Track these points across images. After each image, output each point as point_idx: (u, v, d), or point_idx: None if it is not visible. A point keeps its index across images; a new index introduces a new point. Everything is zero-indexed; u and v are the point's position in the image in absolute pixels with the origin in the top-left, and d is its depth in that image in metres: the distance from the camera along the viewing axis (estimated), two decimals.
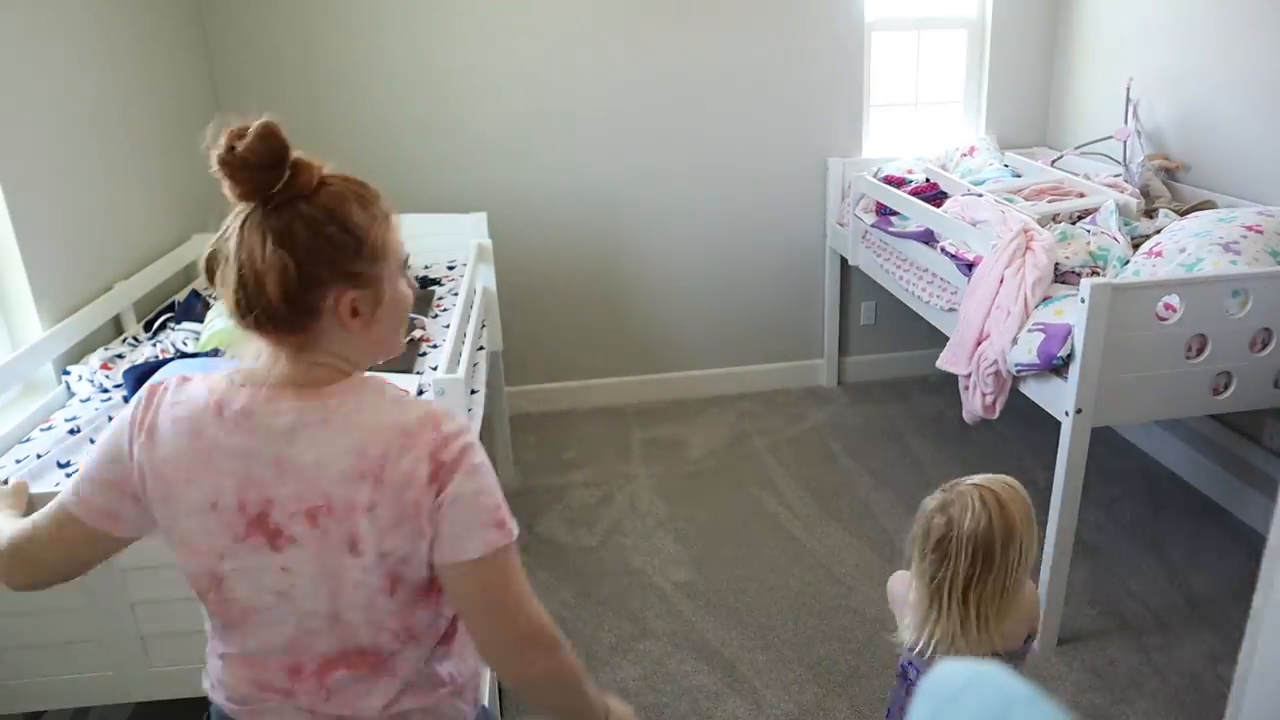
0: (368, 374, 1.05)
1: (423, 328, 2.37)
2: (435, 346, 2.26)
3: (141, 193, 2.64)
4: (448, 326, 2.23)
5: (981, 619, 1.39)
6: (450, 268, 2.96)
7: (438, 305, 2.61)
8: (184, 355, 2.17)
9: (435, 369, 2.02)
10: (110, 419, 1.66)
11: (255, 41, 3.27)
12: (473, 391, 2.20)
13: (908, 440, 3.51)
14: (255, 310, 0.96)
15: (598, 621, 2.55)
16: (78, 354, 2.17)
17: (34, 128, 2.12)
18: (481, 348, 2.69)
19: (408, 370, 2.08)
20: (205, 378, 1.05)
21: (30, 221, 2.04)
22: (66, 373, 2.09)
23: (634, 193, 3.65)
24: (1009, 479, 1.44)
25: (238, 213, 0.98)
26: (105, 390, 2.05)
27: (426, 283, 2.78)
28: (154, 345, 2.27)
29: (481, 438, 1.10)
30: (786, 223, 3.77)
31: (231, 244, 0.97)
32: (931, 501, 1.44)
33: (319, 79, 3.35)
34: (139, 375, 1.96)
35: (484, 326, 2.84)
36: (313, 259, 0.96)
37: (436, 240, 2.98)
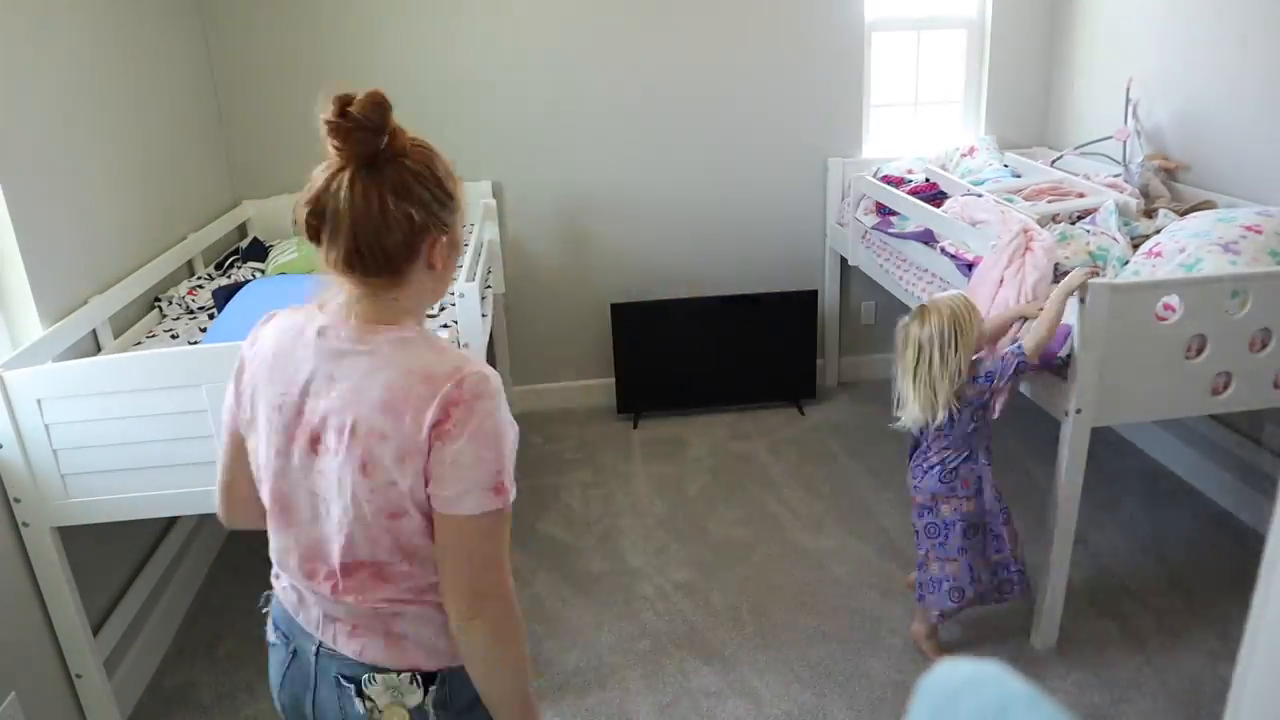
0: (422, 326, 1.15)
1: None
2: (454, 278, 2.58)
3: (141, 192, 2.64)
4: (461, 266, 2.57)
5: (930, 392, 2.10)
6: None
7: None
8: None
9: (454, 293, 2.29)
10: (202, 330, 2.33)
11: (256, 39, 3.28)
12: (482, 315, 2.53)
13: (908, 440, 3.50)
14: (369, 258, 1.06)
15: (598, 621, 2.55)
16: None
17: (34, 128, 2.11)
18: (489, 287, 3.25)
19: None
20: (307, 309, 1.16)
21: (30, 221, 2.04)
22: (157, 300, 2.62)
23: (635, 191, 3.65)
24: (961, 298, 2.12)
25: (337, 172, 1.05)
26: (192, 311, 2.63)
27: None
28: (228, 278, 2.82)
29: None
30: (786, 223, 3.77)
31: (343, 200, 1.04)
32: (906, 318, 2.15)
33: (322, 75, 3.34)
34: (227, 293, 2.40)
35: (490, 273, 3.33)
36: (425, 210, 1.07)
37: None
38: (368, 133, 1.04)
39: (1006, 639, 2.39)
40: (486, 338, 2.70)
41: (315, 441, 1.10)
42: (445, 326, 2.39)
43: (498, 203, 3.56)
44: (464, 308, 2.23)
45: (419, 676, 1.16)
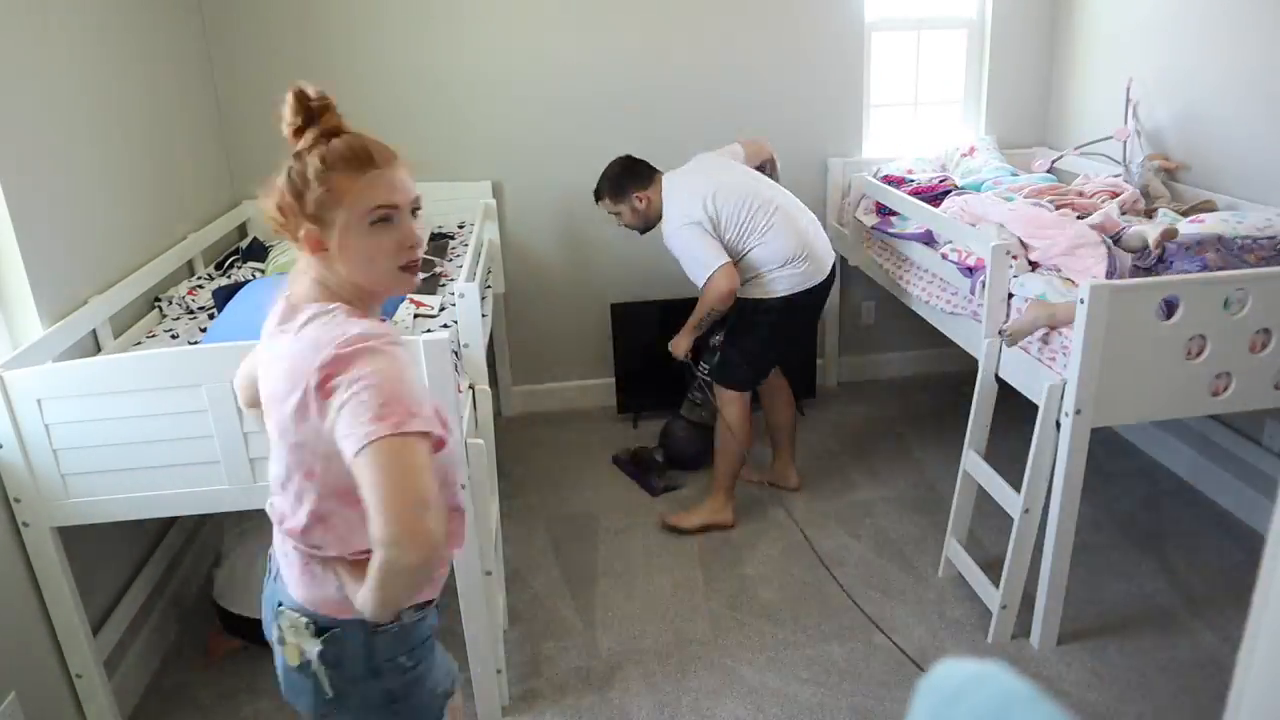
0: (339, 304, 1.21)
1: (441, 266, 2.94)
2: (452, 279, 2.81)
3: (141, 192, 2.64)
4: (461, 266, 2.74)
5: None
6: (460, 226, 3.47)
7: (451, 252, 3.15)
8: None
9: (454, 293, 2.33)
10: (202, 330, 2.42)
11: (256, 39, 3.28)
12: (482, 315, 2.54)
13: (908, 440, 3.51)
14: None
15: (598, 621, 2.55)
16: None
17: (34, 128, 2.11)
18: (489, 287, 3.27)
19: (430, 293, 2.64)
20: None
21: (30, 221, 2.04)
22: (157, 300, 2.63)
23: None
24: None
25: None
26: (192, 311, 2.63)
27: (441, 236, 3.32)
28: (228, 278, 2.84)
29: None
30: None
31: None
32: None
33: (322, 75, 3.34)
34: (227, 293, 2.44)
35: (489, 272, 3.37)
36: (295, 185, 1.26)
37: (450, 204, 3.49)
38: (313, 111, 1.31)
39: (1006, 639, 2.39)
40: (486, 338, 2.70)
41: (267, 409, 1.24)
42: (445, 326, 2.39)
43: (498, 203, 3.56)
44: (464, 308, 2.23)
45: (312, 621, 1.26)
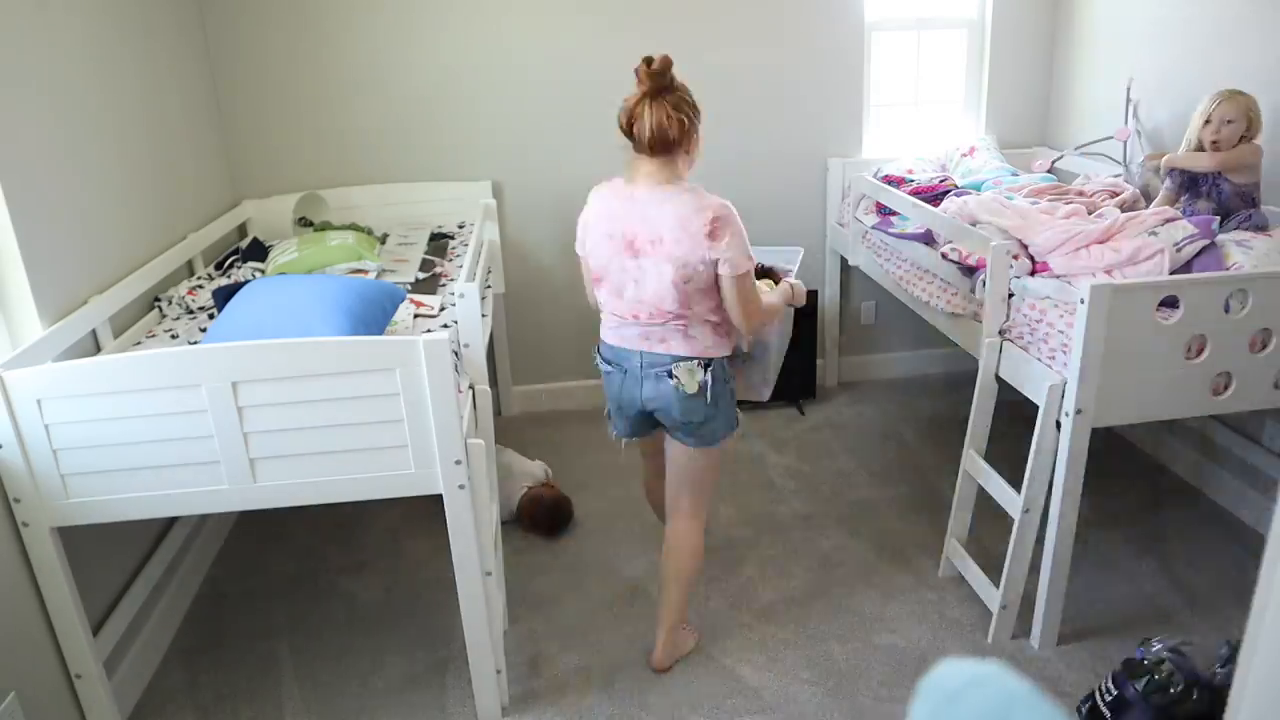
0: (688, 182, 1.99)
1: (442, 267, 3.01)
2: (452, 279, 2.87)
3: (141, 192, 2.64)
4: (461, 266, 2.78)
5: None
6: (460, 226, 3.49)
7: (451, 252, 3.19)
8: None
9: (454, 293, 2.38)
10: (202, 330, 2.45)
11: (256, 39, 3.28)
12: (482, 315, 2.55)
13: (908, 440, 3.51)
14: (660, 142, 1.92)
15: (598, 621, 2.55)
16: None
17: (34, 128, 2.11)
18: (489, 287, 3.29)
19: (431, 293, 2.69)
20: (618, 182, 2.05)
21: (30, 221, 2.04)
22: (157, 300, 2.64)
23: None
24: None
25: (640, 98, 1.91)
26: (192, 311, 2.64)
27: (441, 236, 3.35)
28: (228, 278, 2.85)
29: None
30: (786, 223, 3.77)
31: (646, 112, 1.90)
32: None
33: (322, 75, 3.35)
34: (227, 293, 2.43)
35: (490, 272, 3.40)
36: (688, 118, 1.93)
37: (450, 204, 3.54)
38: (658, 76, 1.89)
39: (1006, 639, 2.39)
40: (487, 338, 2.69)
41: (636, 252, 1.97)
42: (445, 326, 2.39)
43: (498, 203, 3.56)
44: (464, 308, 2.23)
45: (701, 361, 2.05)
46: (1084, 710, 2.08)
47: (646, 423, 2.21)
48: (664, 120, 1.88)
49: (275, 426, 1.86)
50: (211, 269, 2.95)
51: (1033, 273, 2.42)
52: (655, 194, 1.94)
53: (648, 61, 1.87)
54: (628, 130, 1.94)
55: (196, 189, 3.07)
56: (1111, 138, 3.24)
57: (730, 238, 1.90)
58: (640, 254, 1.96)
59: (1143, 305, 2.03)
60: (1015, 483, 2.31)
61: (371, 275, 2.75)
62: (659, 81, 1.88)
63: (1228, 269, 2.23)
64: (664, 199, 1.92)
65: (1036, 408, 2.20)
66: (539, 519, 2.96)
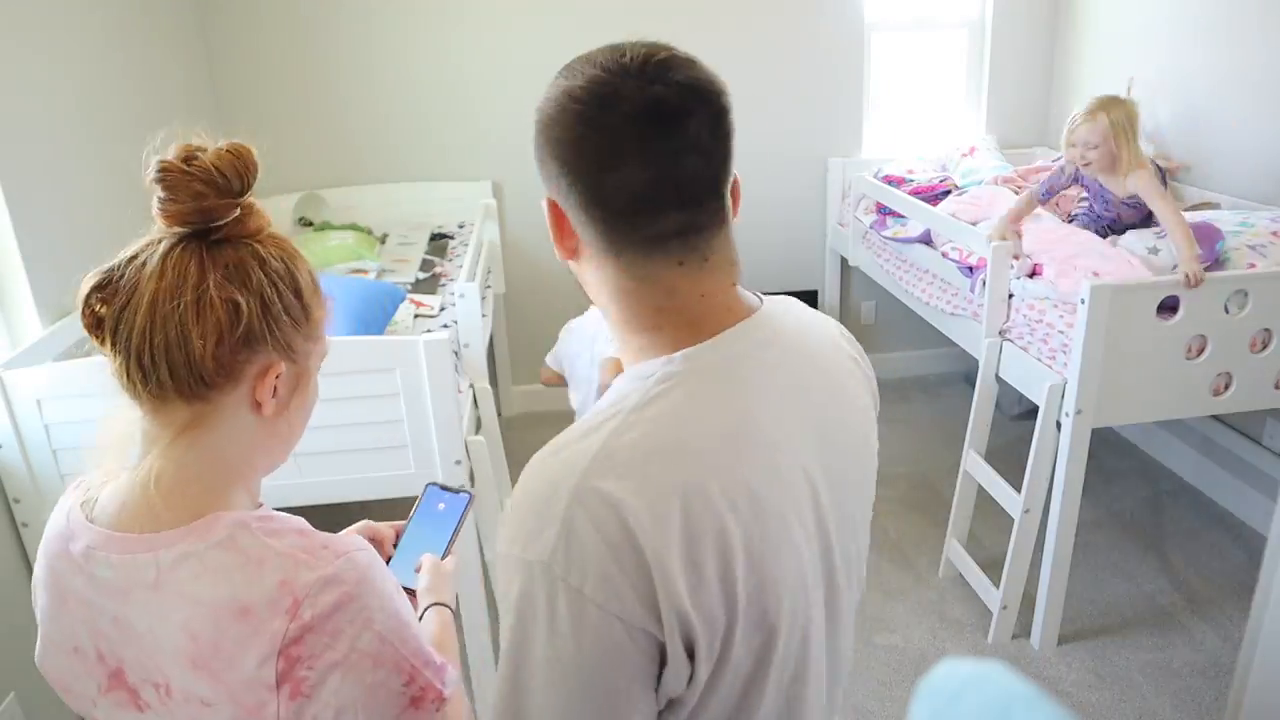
0: (234, 514, 0.81)
1: (442, 267, 2.99)
2: (452, 279, 2.83)
3: (142, 193, 2.64)
4: (461, 266, 2.73)
5: None
6: (460, 226, 3.47)
7: (451, 252, 3.17)
8: None
9: (454, 293, 2.37)
10: None
11: (256, 40, 3.28)
12: (482, 315, 2.53)
13: (908, 440, 3.51)
14: (161, 364, 0.75)
15: None
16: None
17: (34, 128, 2.11)
18: (489, 287, 3.26)
19: (431, 293, 2.63)
20: (77, 487, 0.90)
21: (30, 222, 2.04)
22: None
23: None
24: None
25: (155, 241, 0.79)
26: None
27: (441, 236, 3.34)
28: None
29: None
30: (786, 223, 3.77)
31: (147, 271, 0.76)
32: None
33: (322, 76, 3.35)
34: None
35: (489, 272, 3.37)
36: (263, 311, 0.78)
37: (450, 204, 3.51)
38: (212, 190, 0.78)
39: (1007, 639, 2.39)
40: (487, 338, 2.69)
41: (135, 695, 0.82)
42: (445, 326, 2.39)
43: (498, 203, 3.56)
44: (464, 308, 2.23)
45: None
46: None
47: None
48: (190, 292, 0.77)
49: None
50: None
51: (1032, 273, 2.42)
52: (131, 571, 0.81)
53: (190, 150, 0.85)
54: (90, 316, 0.81)
55: None
56: None
57: (346, 670, 0.78)
58: (145, 704, 0.84)
59: (1143, 305, 2.03)
60: (1015, 483, 2.31)
61: (371, 275, 2.75)
62: (209, 203, 0.81)
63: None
64: (152, 585, 0.79)
65: (1037, 408, 2.20)
66: None
